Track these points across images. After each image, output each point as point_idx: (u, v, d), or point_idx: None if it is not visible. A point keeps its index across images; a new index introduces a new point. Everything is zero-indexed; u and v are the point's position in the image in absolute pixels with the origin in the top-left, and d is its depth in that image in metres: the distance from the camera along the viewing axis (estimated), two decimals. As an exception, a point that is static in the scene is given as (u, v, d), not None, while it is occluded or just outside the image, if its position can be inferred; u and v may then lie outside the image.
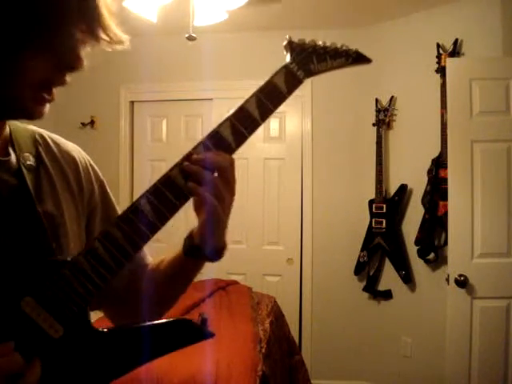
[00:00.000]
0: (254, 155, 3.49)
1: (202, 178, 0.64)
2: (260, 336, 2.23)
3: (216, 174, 0.66)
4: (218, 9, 2.23)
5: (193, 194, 0.65)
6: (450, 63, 2.44)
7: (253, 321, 2.40)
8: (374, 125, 3.20)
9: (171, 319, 0.65)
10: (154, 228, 0.64)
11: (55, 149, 0.76)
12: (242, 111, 0.68)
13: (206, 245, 0.73)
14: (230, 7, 2.22)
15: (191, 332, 0.65)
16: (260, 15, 2.97)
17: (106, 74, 3.61)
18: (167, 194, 0.64)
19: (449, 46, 2.81)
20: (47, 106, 0.64)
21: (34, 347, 0.57)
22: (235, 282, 3.15)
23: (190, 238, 0.75)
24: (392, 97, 3.17)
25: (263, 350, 2.08)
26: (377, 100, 3.22)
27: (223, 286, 2.96)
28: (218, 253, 0.75)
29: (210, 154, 0.65)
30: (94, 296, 0.61)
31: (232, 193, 0.69)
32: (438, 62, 2.84)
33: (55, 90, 0.64)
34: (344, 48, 0.73)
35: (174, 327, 0.65)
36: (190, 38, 2.24)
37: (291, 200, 3.46)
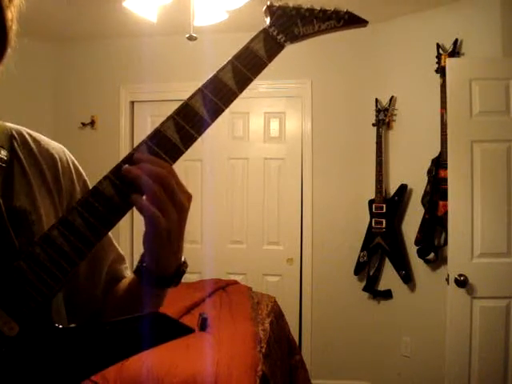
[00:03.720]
0: (254, 155, 3.49)
1: (140, 186, 0.57)
2: (260, 336, 2.23)
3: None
4: (218, 9, 2.23)
5: (132, 204, 0.57)
6: (449, 63, 2.44)
7: (253, 321, 2.40)
8: (373, 125, 3.20)
9: (143, 314, 0.59)
10: (118, 213, 0.57)
11: (33, 145, 0.72)
12: (215, 81, 0.61)
13: (154, 267, 0.64)
14: (230, 7, 2.22)
15: (167, 327, 0.59)
16: (260, 15, 2.97)
17: (106, 74, 3.62)
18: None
19: (449, 46, 2.81)
20: None
21: None
22: (235, 282, 3.15)
23: (142, 257, 0.66)
24: (392, 97, 3.17)
25: (263, 350, 2.08)
26: (377, 100, 3.22)
27: (223, 286, 2.96)
28: (170, 278, 0.66)
29: (145, 164, 0.57)
30: (54, 291, 0.56)
31: (178, 207, 0.59)
32: (438, 62, 2.84)
33: None
34: (334, 9, 0.66)
35: (147, 322, 0.58)
36: (191, 38, 2.24)
37: (291, 200, 3.46)
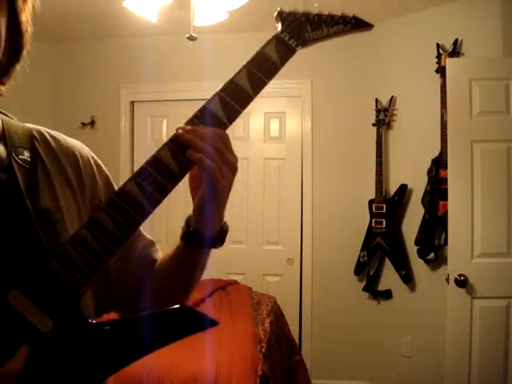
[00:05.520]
0: (254, 155, 3.49)
1: (200, 144, 0.62)
2: (260, 336, 2.23)
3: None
4: (218, 9, 2.23)
5: (193, 161, 0.63)
6: (450, 63, 2.44)
7: (253, 321, 2.40)
8: (373, 125, 3.20)
9: (170, 308, 0.61)
10: (144, 212, 0.61)
11: (54, 144, 0.74)
12: (231, 85, 0.65)
13: (203, 227, 0.70)
14: (230, 7, 2.22)
15: (192, 320, 0.62)
16: (260, 15, 2.97)
17: (106, 74, 3.62)
18: (156, 176, 0.61)
19: (449, 46, 2.81)
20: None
21: (23, 342, 0.55)
22: (235, 282, 3.15)
23: (187, 223, 0.72)
24: (392, 97, 3.17)
25: (263, 350, 2.08)
26: (377, 100, 3.22)
27: (223, 286, 2.96)
28: (217, 237, 0.72)
29: (201, 127, 0.63)
30: (85, 287, 0.59)
31: (230, 167, 0.66)
32: (438, 62, 2.84)
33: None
34: (341, 14, 0.70)
35: (174, 316, 0.62)
36: (191, 38, 2.24)
37: (291, 200, 3.46)
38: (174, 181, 0.62)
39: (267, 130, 3.50)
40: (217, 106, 0.64)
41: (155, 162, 0.62)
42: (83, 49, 3.63)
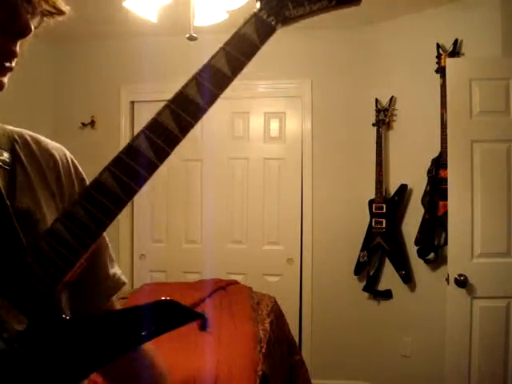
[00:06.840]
0: (254, 155, 3.49)
1: None
2: (260, 336, 2.23)
3: None
4: (219, 9, 2.23)
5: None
6: (449, 63, 2.44)
7: (253, 320, 2.40)
8: (373, 125, 3.20)
9: (154, 301, 0.59)
10: (120, 203, 0.58)
11: (34, 147, 0.73)
12: (207, 67, 0.62)
13: None
14: (230, 7, 2.22)
15: (178, 313, 0.61)
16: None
17: (106, 74, 3.63)
18: (132, 165, 0.58)
19: (449, 46, 2.81)
20: (6, 76, 0.60)
21: None
22: (235, 282, 3.15)
23: None
24: (392, 97, 3.17)
25: (263, 350, 2.08)
26: (377, 100, 3.22)
27: (223, 286, 2.96)
28: None
29: None
30: (60, 282, 0.57)
31: None
32: (438, 62, 2.84)
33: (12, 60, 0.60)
34: None
35: (157, 310, 0.60)
36: (191, 38, 2.24)
37: (291, 200, 3.46)
38: (151, 170, 0.60)
39: (267, 130, 3.50)
40: (193, 91, 0.61)
41: (130, 150, 0.59)
42: (83, 49, 3.63)
